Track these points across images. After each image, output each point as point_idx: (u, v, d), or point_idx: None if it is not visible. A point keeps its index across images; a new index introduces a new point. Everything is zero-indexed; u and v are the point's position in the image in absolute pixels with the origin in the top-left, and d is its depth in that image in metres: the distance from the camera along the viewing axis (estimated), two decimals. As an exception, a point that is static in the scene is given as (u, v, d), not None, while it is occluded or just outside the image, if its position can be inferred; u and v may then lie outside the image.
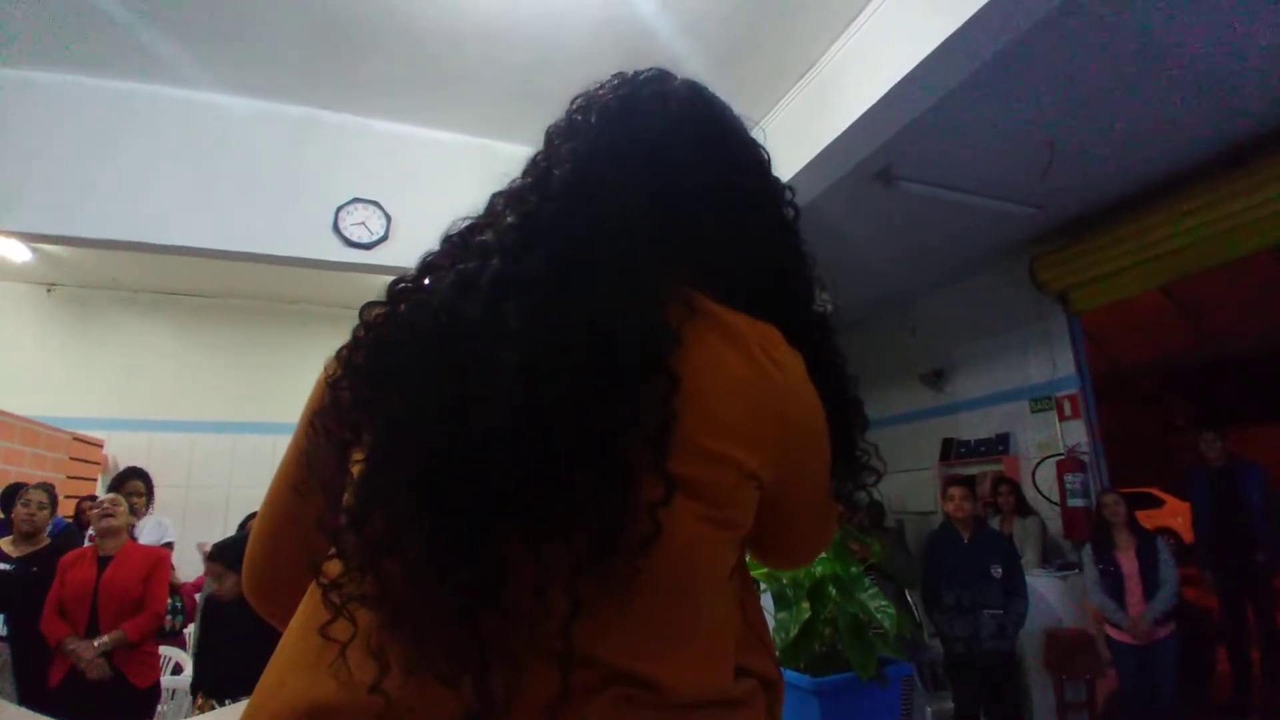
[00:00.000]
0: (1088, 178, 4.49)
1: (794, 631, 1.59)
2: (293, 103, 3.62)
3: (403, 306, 0.63)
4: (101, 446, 5.68)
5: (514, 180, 0.71)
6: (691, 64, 3.28)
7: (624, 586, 0.53)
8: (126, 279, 5.86)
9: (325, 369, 0.67)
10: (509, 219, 0.64)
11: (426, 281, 0.66)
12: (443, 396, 0.55)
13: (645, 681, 0.55)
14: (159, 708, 3.35)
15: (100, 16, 2.92)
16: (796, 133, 3.50)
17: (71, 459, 5.22)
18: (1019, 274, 5.54)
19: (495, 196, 0.71)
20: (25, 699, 2.95)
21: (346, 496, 0.59)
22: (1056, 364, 5.47)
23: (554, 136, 0.72)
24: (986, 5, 2.43)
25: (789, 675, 1.63)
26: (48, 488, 3.47)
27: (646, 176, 0.67)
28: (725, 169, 0.73)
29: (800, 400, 0.66)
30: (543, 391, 0.53)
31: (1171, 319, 6.22)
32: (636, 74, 0.76)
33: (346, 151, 3.72)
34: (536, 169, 0.69)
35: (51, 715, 2.27)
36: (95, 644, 3.02)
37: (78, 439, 5.33)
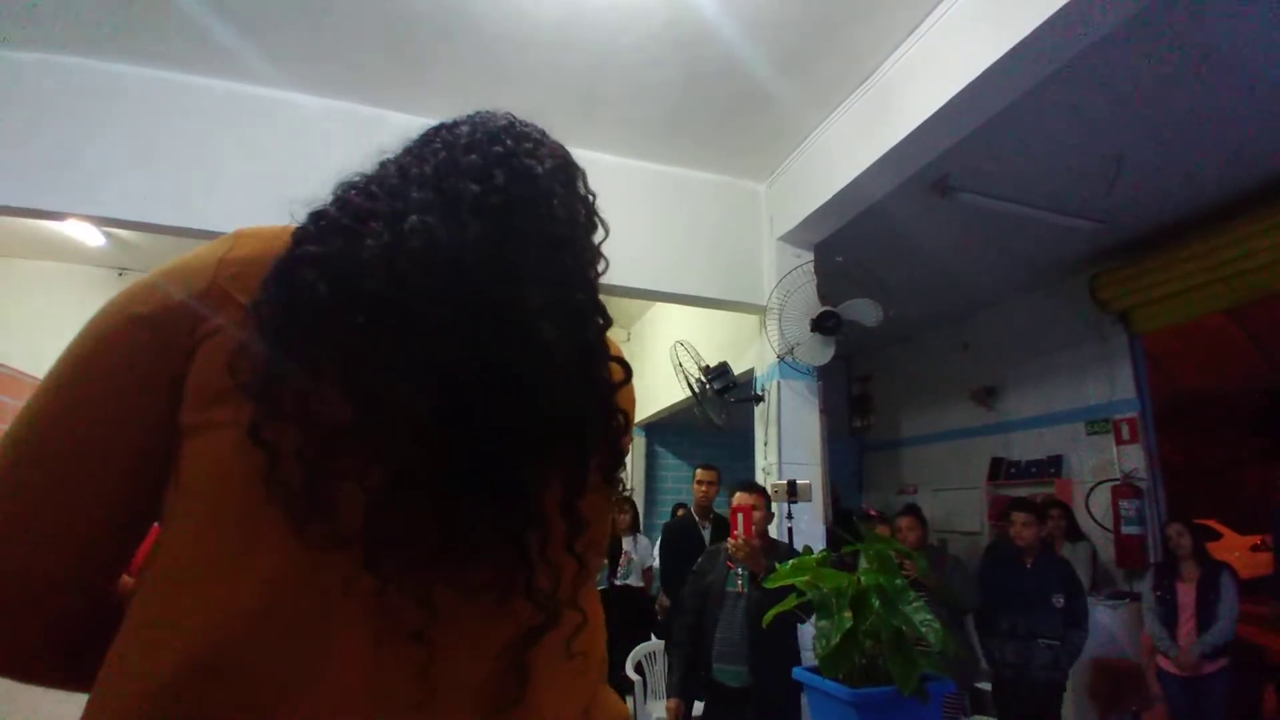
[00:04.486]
0: (1154, 194, 4.35)
1: (835, 640, 1.57)
2: (363, 103, 3.71)
3: (352, 248, 0.60)
4: (163, 426, 5.86)
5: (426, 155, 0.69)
6: (753, 67, 3.28)
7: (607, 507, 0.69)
8: (193, 266, 6.08)
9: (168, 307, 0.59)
10: (469, 186, 0.63)
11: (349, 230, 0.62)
12: (461, 342, 0.54)
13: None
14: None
15: (179, 14, 3.03)
16: (856, 139, 3.47)
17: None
18: (1078, 291, 5.38)
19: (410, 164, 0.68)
20: None
21: (327, 450, 0.52)
22: (1115, 386, 5.29)
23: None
24: (1050, 18, 2.38)
25: (827, 685, 1.60)
26: None
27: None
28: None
29: None
30: (572, 338, 0.60)
31: (1238, 345, 5.96)
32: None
33: (411, 151, 3.79)
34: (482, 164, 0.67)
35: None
36: None
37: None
